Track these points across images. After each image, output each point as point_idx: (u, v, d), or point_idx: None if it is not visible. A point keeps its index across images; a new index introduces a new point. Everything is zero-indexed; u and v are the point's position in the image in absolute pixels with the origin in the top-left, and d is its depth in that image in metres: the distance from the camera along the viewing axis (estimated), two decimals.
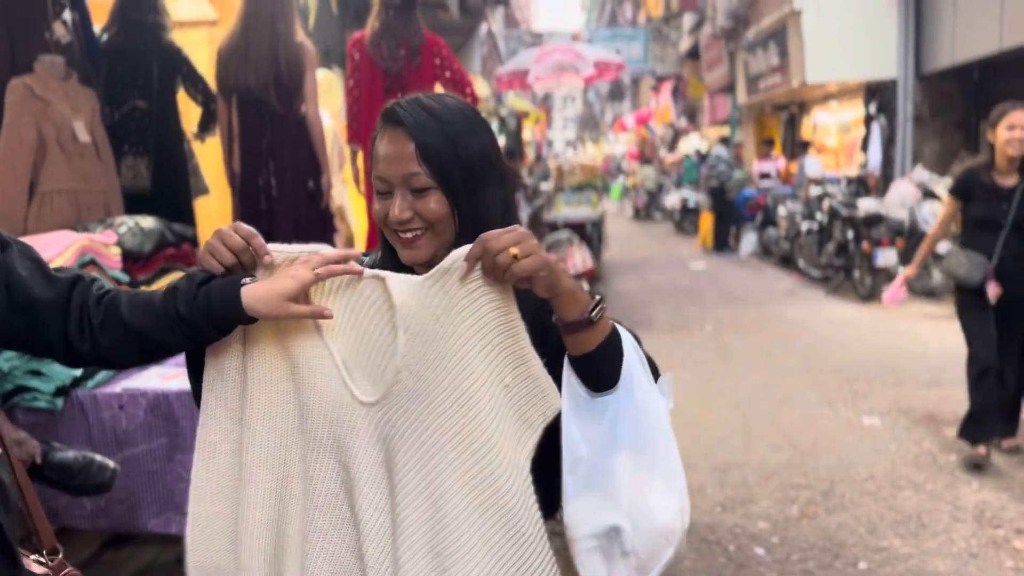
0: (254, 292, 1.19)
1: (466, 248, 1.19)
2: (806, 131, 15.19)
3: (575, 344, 1.21)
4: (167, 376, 2.71)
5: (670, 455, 1.23)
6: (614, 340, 1.22)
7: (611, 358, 1.22)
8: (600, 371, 1.22)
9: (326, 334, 1.23)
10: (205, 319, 1.19)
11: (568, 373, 1.23)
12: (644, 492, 1.22)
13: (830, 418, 4.85)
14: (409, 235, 1.30)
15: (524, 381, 1.20)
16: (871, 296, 8.34)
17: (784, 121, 16.26)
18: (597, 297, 1.22)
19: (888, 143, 11.38)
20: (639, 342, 1.30)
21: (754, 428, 4.71)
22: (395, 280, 1.22)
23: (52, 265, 2.50)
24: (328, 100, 5.05)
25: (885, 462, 4.15)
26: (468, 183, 1.28)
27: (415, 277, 1.22)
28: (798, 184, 11.85)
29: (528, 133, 21.62)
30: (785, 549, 3.31)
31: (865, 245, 8.24)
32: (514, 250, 1.14)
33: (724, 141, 14.98)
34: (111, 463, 2.36)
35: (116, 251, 2.89)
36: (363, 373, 1.22)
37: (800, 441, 4.48)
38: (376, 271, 1.24)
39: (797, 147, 13.85)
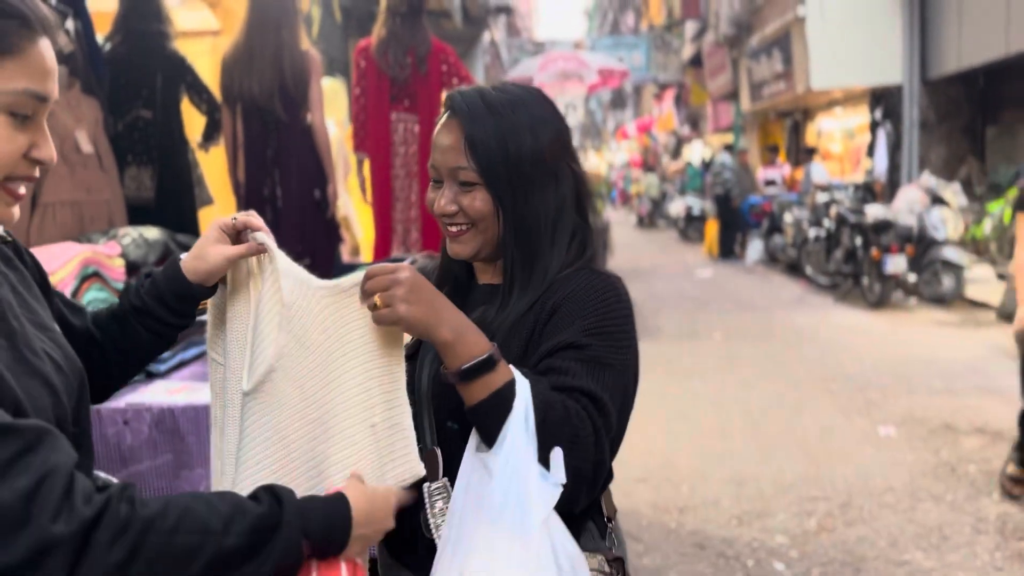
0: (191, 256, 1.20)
1: (360, 275, 1.15)
2: (811, 138, 15.14)
3: (461, 393, 1.14)
4: (173, 390, 2.65)
5: (517, 546, 1.09)
6: (497, 399, 1.10)
7: (489, 417, 1.11)
8: (479, 427, 1.14)
9: (253, 305, 1.19)
10: (157, 303, 1.22)
11: (475, 434, 1.17)
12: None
13: (845, 428, 4.77)
14: (454, 228, 1.26)
15: (390, 429, 1.16)
16: (880, 303, 8.27)
17: (788, 128, 16.22)
18: (487, 353, 1.11)
19: (894, 149, 11.33)
20: (594, 398, 1.15)
21: (768, 439, 4.63)
22: (289, 276, 1.18)
23: (54, 278, 2.45)
24: (333, 108, 5.01)
25: (903, 473, 4.07)
26: (514, 183, 1.22)
27: (312, 280, 1.18)
28: (804, 191, 11.80)
29: None
30: (805, 564, 3.23)
31: (874, 252, 8.18)
32: (376, 298, 1.11)
33: (729, 148, 14.94)
34: (114, 481, 2.29)
35: (120, 263, 2.82)
36: (247, 358, 1.18)
37: (816, 452, 4.40)
38: (273, 249, 1.20)
39: (802, 154, 13.80)
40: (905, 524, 3.53)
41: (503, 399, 1.10)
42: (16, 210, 0.99)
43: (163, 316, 1.21)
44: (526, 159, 1.23)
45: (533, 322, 1.22)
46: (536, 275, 1.25)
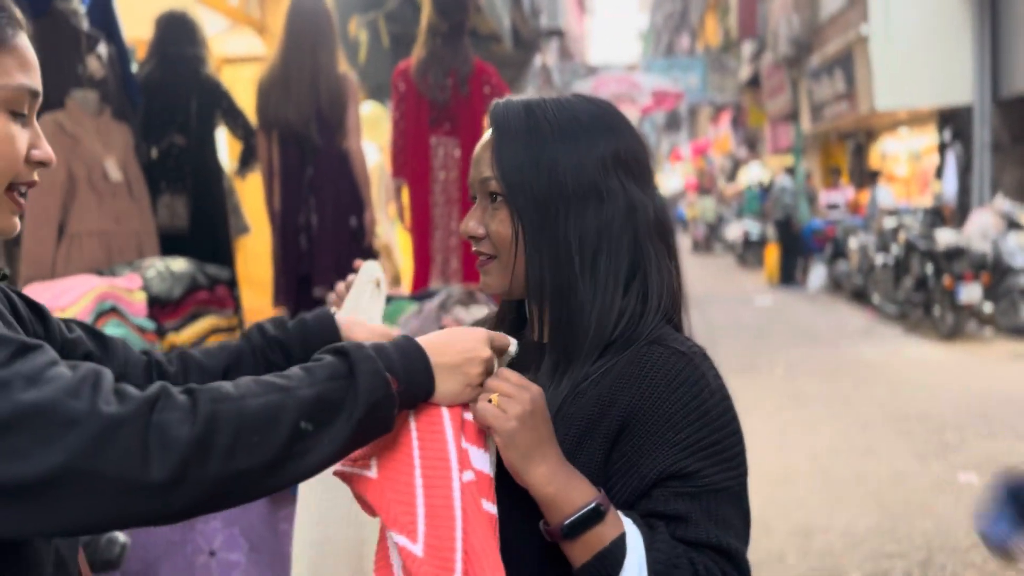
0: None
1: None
2: (874, 159, 14.66)
3: (565, 552, 0.93)
4: None
5: None
6: (605, 562, 0.89)
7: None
8: None
9: None
10: (299, 343, 1.23)
11: None
12: None
13: (921, 474, 4.41)
14: (479, 257, 1.06)
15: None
16: (953, 334, 7.81)
17: (851, 150, 15.74)
18: (592, 504, 0.89)
19: (964, 171, 10.83)
20: (723, 551, 0.92)
21: (836, 485, 4.29)
22: None
23: (66, 313, 2.29)
24: (376, 134, 4.86)
25: None
26: (541, 200, 0.98)
27: None
28: (870, 215, 11.35)
29: None
30: None
31: (947, 280, 7.74)
32: (494, 397, 0.91)
33: (790, 171, 14.52)
34: (121, 537, 2.11)
35: (141, 296, 2.67)
36: None
37: (889, 501, 4.06)
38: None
39: (866, 176, 13.32)
40: None
41: (612, 561, 0.89)
42: (17, 221, 0.94)
43: (296, 355, 1.17)
44: (562, 168, 0.98)
45: (595, 416, 0.95)
46: (579, 337, 0.98)
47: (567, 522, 0.89)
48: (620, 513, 0.92)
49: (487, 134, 1.05)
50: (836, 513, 3.93)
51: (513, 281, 1.02)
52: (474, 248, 1.05)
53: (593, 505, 0.89)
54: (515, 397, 0.90)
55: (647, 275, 1.02)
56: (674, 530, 0.91)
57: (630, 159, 1.02)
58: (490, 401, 0.91)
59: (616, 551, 0.89)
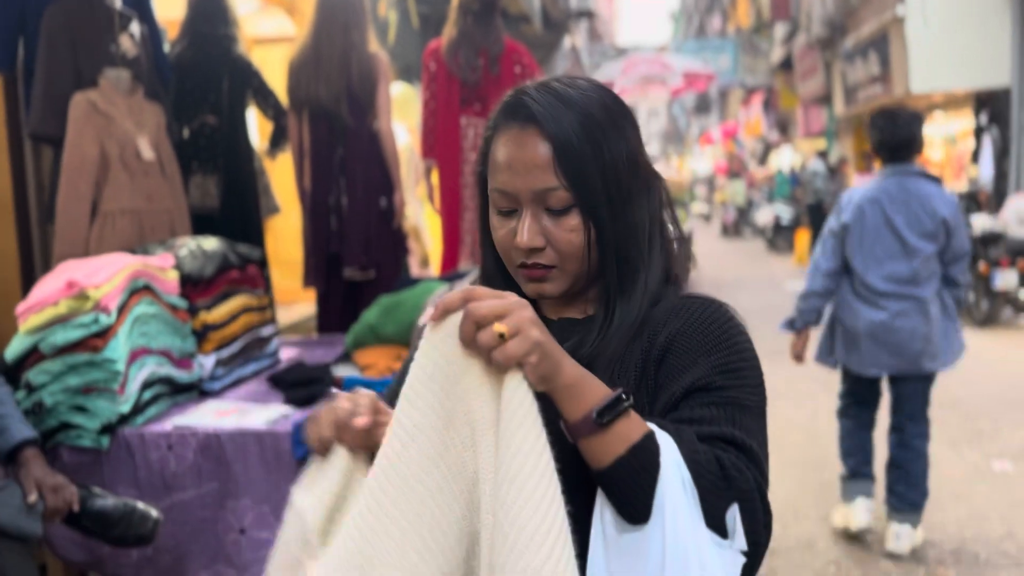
0: None
1: (444, 292, 0.91)
2: None
3: (587, 453, 0.89)
4: (222, 412, 2.49)
5: None
6: (641, 455, 0.87)
7: (633, 481, 0.87)
8: (619, 495, 0.88)
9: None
10: None
11: (603, 506, 0.91)
12: None
13: (954, 462, 4.34)
14: (538, 270, 1.03)
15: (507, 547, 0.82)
16: (988, 321, 7.68)
17: None
18: (617, 392, 0.88)
19: (1001, 156, 10.62)
20: (742, 447, 0.94)
21: None
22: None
23: (101, 291, 2.30)
24: (406, 115, 4.85)
25: (1023, 516, 3.65)
26: (612, 197, 1.01)
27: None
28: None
29: None
30: None
31: (982, 266, 7.60)
32: (500, 327, 0.84)
33: (822, 154, 14.31)
34: (154, 512, 2.13)
35: (174, 275, 2.69)
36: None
37: None
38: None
39: None
40: None
41: (648, 453, 0.87)
42: None
43: None
44: (623, 165, 1.02)
45: (643, 360, 1.02)
46: (634, 300, 1.04)
47: (599, 407, 0.87)
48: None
49: (520, 132, 1.00)
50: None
51: (575, 282, 1.04)
52: (529, 261, 1.02)
53: (619, 392, 0.88)
54: (511, 310, 0.85)
55: (669, 241, 1.10)
56: (696, 429, 0.93)
57: (641, 137, 1.09)
58: (502, 337, 0.85)
59: (650, 444, 0.88)
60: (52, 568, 2.64)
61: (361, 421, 0.94)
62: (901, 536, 3.30)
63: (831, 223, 3.42)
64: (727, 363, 1.00)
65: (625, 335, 1.03)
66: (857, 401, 3.57)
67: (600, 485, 0.89)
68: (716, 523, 0.89)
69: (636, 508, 0.87)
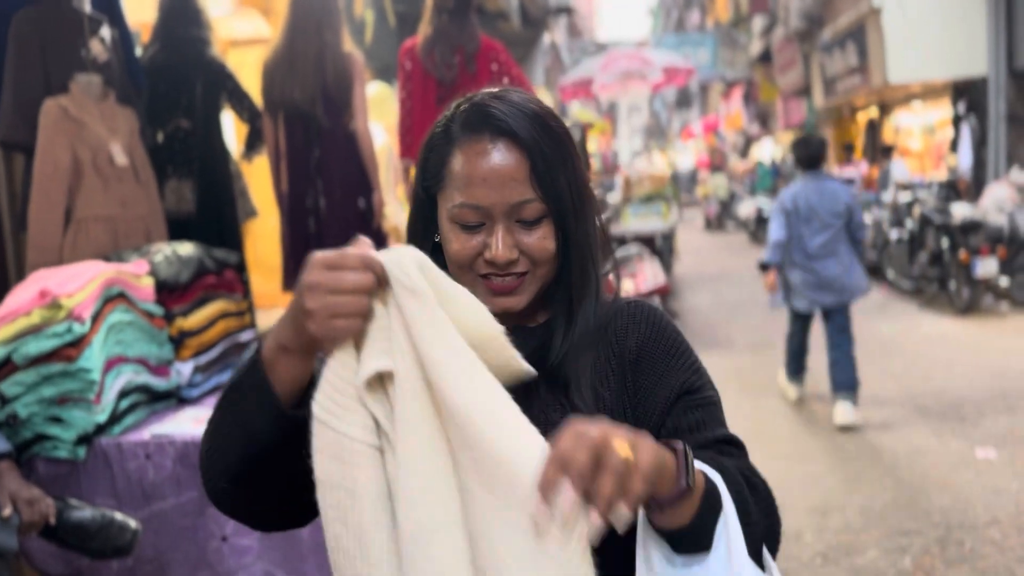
0: None
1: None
2: (888, 134, 14.49)
3: (667, 520, 0.87)
4: (202, 419, 2.46)
5: None
6: (710, 499, 0.89)
7: (703, 523, 0.89)
8: (689, 539, 0.90)
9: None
10: None
11: (648, 545, 0.90)
12: None
13: (938, 450, 4.36)
14: (501, 281, 1.02)
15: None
16: (969, 309, 7.73)
17: (865, 124, 15.58)
18: (680, 450, 0.86)
19: (979, 144, 10.69)
20: (739, 445, 1.05)
21: (853, 462, 4.26)
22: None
23: (73, 300, 2.27)
24: (383, 114, 4.82)
25: (1008, 503, 3.67)
26: (576, 206, 1.04)
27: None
28: (881, 188, 11.23)
29: (593, 144, 21.30)
30: None
31: (962, 254, 7.64)
32: (626, 451, 0.76)
33: None
34: (132, 523, 2.10)
35: (149, 282, 2.65)
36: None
37: (907, 477, 4.02)
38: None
39: (879, 152, 13.17)
40: (1015, 565, 3.14)
41: (713, 495, 0.90)
42: None
43: None
44: (579, 176, 1.05)
45: (618, 364, 1.06)
46: (591, 305, 1.07)
47: (688, 475, 0.85)
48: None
49: (492, 145, 0.99)
50: (853, 490, 3.90)
51: (536, 292, 1.05)
52: (503, 273, 1.01)
53: (682, 449, 0.86)
54: (624, 474, 0.75)
55: (607, 247, 1.15)
56: (696, 437, 1.01)
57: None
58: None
59: (712, 486, 0.91)
60: None
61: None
62: (845, 411, 4.79)
63: (776, 207, 5.07)
64: (693, 363, 1.08)
65: (590, 340, 1.05)
66: (798, 329, 5.33)
67: (668, 538, 0.89)
68: (755, 548, 0.94)
69: (700, 542, 0.90)
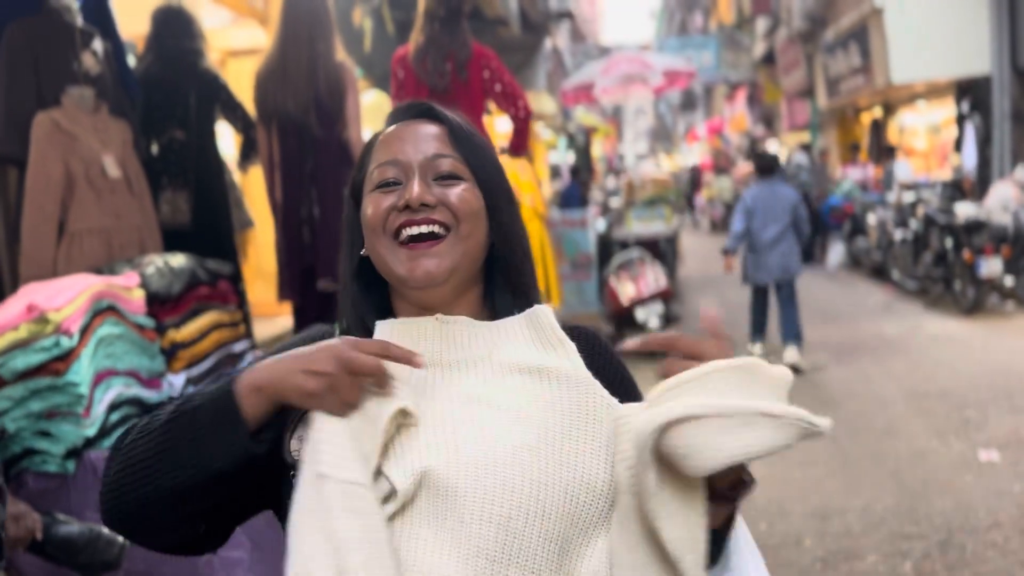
0: None
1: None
2: (892, 134, 14.44)
3: (716, 514, 0.91)
4: None
5: None
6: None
7: (729, 528, 0.95)
8: (722, 541, 0.95)
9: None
10: None
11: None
12: None
13: (941, 453, 4.33)
14: (425, 230, 0.97)
15: None
16: (974, 309, 7.69)
17: (869, 124, 15.52)
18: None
19: (984, 143, 10.63)
20: None
21: (855, 465, 4.23)
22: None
23: (61, 314, 2.26)
24: (378, 122, 4.82)
25: (1010, 506, 3.63)
26: (507, 199, 1.06)
27: None
28: (885, 189, 11.18)
29: (598, 148, 21.25)
30: None
31: (966, 254, 7.60)
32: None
33: (805, 148, 14.32)
34: (120, 537, 2.10)
35: (139, 294, 2.65)
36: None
37: (909, 481, 3.99)
38: None
39: (883, 152, 13.12)
40: (1016, 568, 3.11)
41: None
42: None
43: None
44: (503, 173, 1.08)
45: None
46: (530, 296, 1.07)
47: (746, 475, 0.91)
48: None
49: (412, 121, 1.05)
50: (854, 494, 3.87)
51: (461, 263, 0.99)
52: (421, 217, 0.97)
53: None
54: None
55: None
56: None
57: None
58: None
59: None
60: None
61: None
62: (791, 354, 6.24)
63: (739, 206, 6.56)
64: (635, 393, 1.07)
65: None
66: (758, 299, 6.69)
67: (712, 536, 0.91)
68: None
69: (720, 551, 0.94)
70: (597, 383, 0.96)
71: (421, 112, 1.07)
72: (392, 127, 1.06)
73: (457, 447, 0.89)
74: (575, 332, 1.06)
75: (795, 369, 5.79)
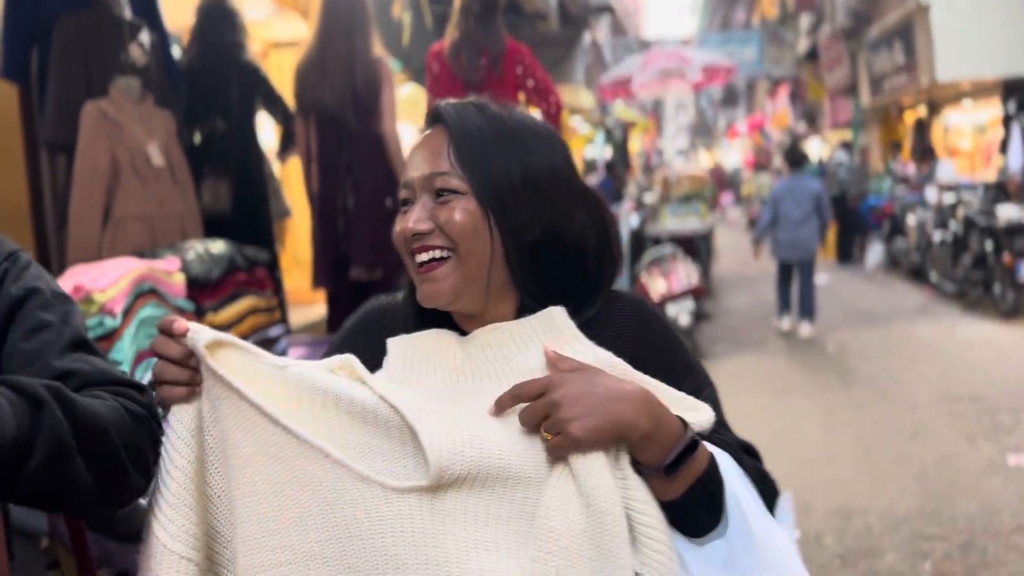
0: None
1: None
2: (936, 133, 14.20)
3: (656, 489, 0.93)
4: None
5: None
6: (707, 482, 0.94)
7: (702, 503, 0.94)
8: (690, 518, 0.94)
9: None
10: None
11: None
12: None
13: (969, 456, 4.31)
14: (425, 257, 1.02)
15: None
16: (1013, 313, 7.57)
17: (913, 124, 15.28)
18: (688, 439, 0.92)
19: None
20: (749, 449, 1.06)
21: (880, 467, 4.22)
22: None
23: (104, 295, 2.37)
24: (416, 115, 4.90)
25: None
26: (530, 199, 1.02)
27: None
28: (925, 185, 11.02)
29: (637, 143, 21.15)
30: None
31: (1007, 257, 7.48)
32: (543, 431, 0.91)
33: (846, 146, 14.15)
34: None
35: (180, 278, 2.76)
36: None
37: (934, 483, 3.98)
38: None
39: (926, 152, 12.92)
40: None
41: (713, 478, 0.94)
42: None
43: None
44: (541, 174, 1.03)
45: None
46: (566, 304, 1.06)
47: (668, 461, 0.90)
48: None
49: (428, 132, 1.06)
50: (877, 495, 3.87)
51: (466, 283, 1.02)
52: (418, 245, 1.01)
53: (688, 440, 0.91)
54: (550, 412, 0.89)
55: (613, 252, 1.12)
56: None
57: (574, 165, 1.12)
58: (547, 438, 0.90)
59: (713, 469, 0.94)
60: (65, 565, 2.72)
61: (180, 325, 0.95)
62: (805, 328, 7.43)
63: (770, 197, 7.81)
64: (687, 364, 1.07)
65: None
66: (783, 277, 7.70)
67: (668, 512, 0.92)
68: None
69: (705, 524, 0.93)
70: (621, 368, 0.97)
71: (435, 118, 1.06)
72: (415, 144, 1.08)
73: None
74: (619, 299, 1.09)
75: (808, 341, 7.25)
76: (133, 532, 2.17)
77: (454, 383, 1.01)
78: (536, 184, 1.03)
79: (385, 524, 0.89)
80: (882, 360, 6.49)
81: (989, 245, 7.91)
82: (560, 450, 0.89)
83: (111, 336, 2.35)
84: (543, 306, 1.04)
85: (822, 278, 11.35)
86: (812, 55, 18.46)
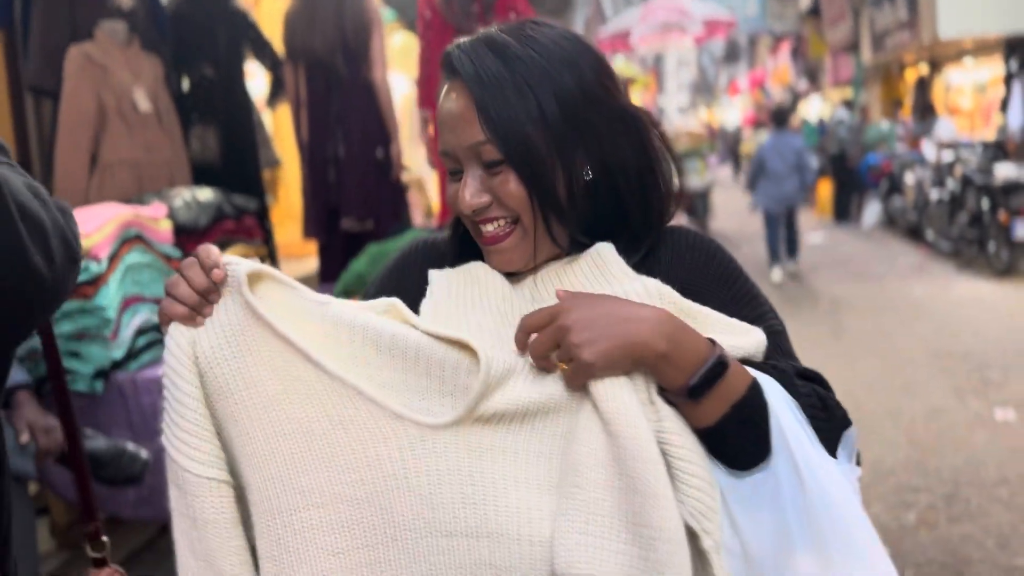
0: None
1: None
2: (938, 92, 14.07)
3: (689, 415, 0.86)
4: None
5: (874, 554, 0.85)
6: (747, 408, 0.86)
7: (743, 432, 0.86)
8: (729, 449, 0.87)
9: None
10: None
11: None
12: None
13: (957, 411, 4.34)
14: (491, 228, 0.97)
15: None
16: (1007, 271, 7.57)
17: (914, 82, 15.13)
18: (714, 359, 0.85)
19: None
20: (814, 378, 0.95)
21: (869, 420, 4.25)
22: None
23: (89, 240, 2.35)
24: (409, 65, 4.84)
25: (1021, 464, 3.65)
26: (564, 142, 0.94)
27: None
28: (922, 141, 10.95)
29: (636, 100, 20.91)
30: (899, 564, 2.88)
31: (1003, 215, 7.47)
32: (555, 361, 0.85)
33: (847, 104, 14.03)
34: (143, 453, 2.21)
35: (167, 224, 2.74)
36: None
37: (921, 436, 4.01)
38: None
39: (926, 110, 12.81)
40: (1019, 522, 3.14)
41: (755, 404, 0.86)
42: None
43: None
44: (576, 99, 0.95)
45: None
46: (620, 244, 1.00)
47: (693, 383, 0.84)
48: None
49: (448, 86, 0.97)
50: (866, 448, 3.90)
51: (538, 249, 0.98)
52: (484, 217, 0.96)
53: (715, 359, 0.84)
54: (560, 338, 0.84)
55: (662, 181, 1.03)
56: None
57: (611, 74, 1.00)
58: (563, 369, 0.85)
59: (755, 394, 0.86)
60: (55, 509, 2.75)
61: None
62: (788, 266, 8.29)
63: (756, 153, 8.30)
64: (748, 292, 1.03)
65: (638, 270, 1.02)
66: (770, 227, 8.26)
67: (705, 441, 0.87)
68: (830, 452, 0.89)
69: (750, 455, 0.86)
70: (670, 296, 0.92)
71: (452, 70, 0.97)
72: (442, 91, 0.99)
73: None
74: (673, 233, 1.05)
75: (793, 276, 8.27)
76: (119, 476, 2.19)
77: (499, 320, 0.96)
78: (573, 117, 0.95)
79: (420, 462, 0.86)
80: (875, 317, 6.50)
81: (985, 203, 7.89)
82: (577, 378, 0.85)
83: (96, 281, 2.34)
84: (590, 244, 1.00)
85: (819, 235, 11.35)
86: (815, 10, 18.20)
